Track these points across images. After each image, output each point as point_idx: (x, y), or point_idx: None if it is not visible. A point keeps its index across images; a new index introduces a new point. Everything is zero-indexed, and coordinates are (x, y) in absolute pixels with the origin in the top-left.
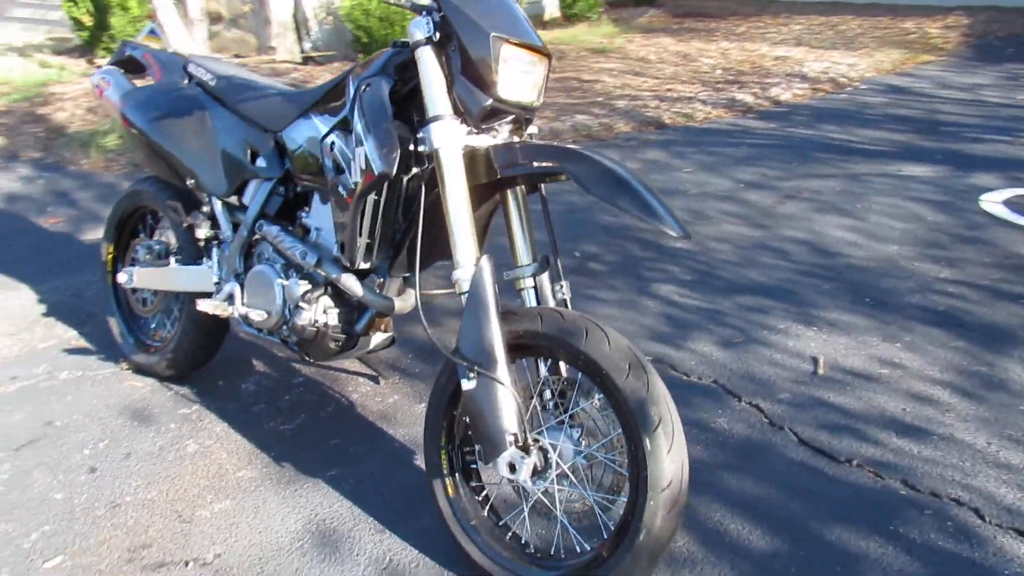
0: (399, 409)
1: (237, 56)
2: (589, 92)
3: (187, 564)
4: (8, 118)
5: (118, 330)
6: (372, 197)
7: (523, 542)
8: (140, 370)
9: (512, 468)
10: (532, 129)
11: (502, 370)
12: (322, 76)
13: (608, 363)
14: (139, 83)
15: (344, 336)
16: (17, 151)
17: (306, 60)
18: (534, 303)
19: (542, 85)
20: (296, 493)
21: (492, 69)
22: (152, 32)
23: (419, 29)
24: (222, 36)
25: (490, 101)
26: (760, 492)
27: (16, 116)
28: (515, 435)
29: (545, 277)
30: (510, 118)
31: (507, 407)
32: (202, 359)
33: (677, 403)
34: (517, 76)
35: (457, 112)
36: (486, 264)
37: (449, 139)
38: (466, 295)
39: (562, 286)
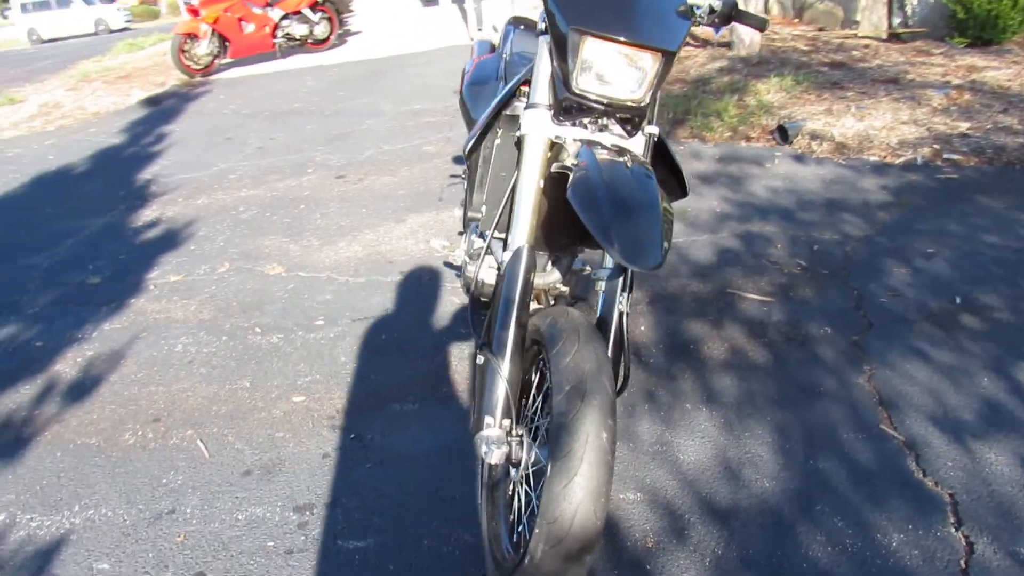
0: None
1: (821, 30)
2: None
3: (353, 436)
4: None
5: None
6: (494, 172)
7: (510, 524)
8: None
9: (484, 450)
10: (652, 129)
11: (503, 356)
12: (887, 56)
13: (554, 377)
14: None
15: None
16: None
17: (891, 37)
18: (599, 307)
19: (651, 81)
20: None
21: (569, 62)
22: None
23: (541, 18)
24: (815, 8)
25: (564, 94)
26: None
27: None
28: (495, 420)
29: (619, 284)
30: (599, 113)
31: (496, 392)
32: None
33: (871, 499)
34: (608, 70)
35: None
36: (523, 254)
37: (534, 127)
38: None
39: (623, 299)
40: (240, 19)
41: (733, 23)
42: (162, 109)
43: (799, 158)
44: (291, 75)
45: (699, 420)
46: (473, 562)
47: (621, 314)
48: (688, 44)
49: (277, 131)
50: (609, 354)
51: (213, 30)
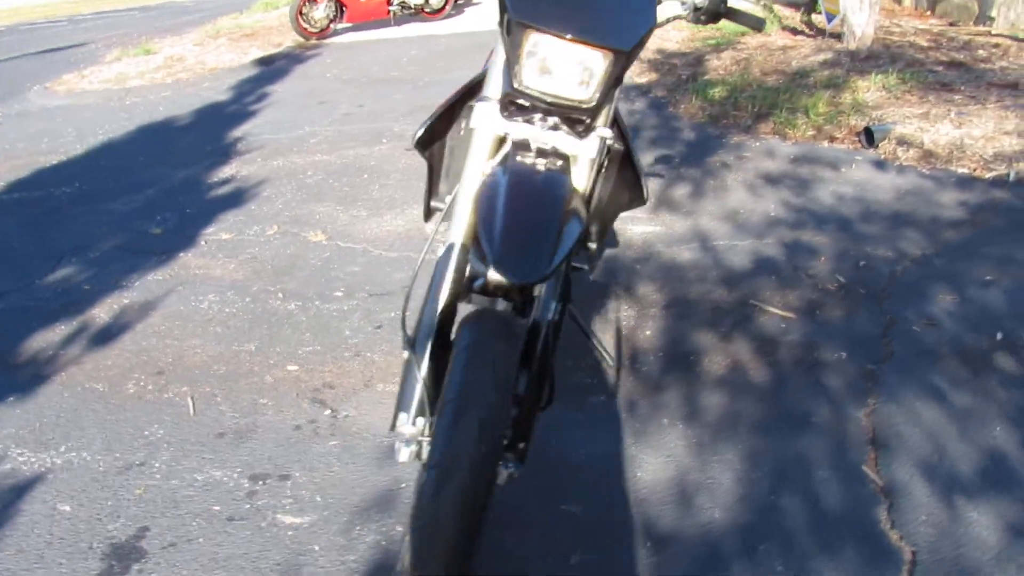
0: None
1: (952, 24)
2: None
3: (329, 411)
4: (680, 59)
5: None
6: (460, 162)
7: None
8: None
9: (396, 447)
10: (605, 132)
11: (423, 354)
12: (1016, 58)
13: (446, 383)
14: None
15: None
16: (653, 87)
17: None
18: (533, 313)
19: (600, 82)
20: None
21: (512, 56)
22: None
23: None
24: (949, 1)
25: (509, 88)
26: None
27: (690, 58)
28: (408, 418)
29: (554, 291)
30: (543, 111)
31: (409, 388)
32: None
33: (822, 545)
34: (553, 67)
35: None
36: (453, 251)
37: (482, 121)
38: None
39: (554, 307)
40: None
41: (725, 21)
42: (272, 69)
43: (880, 164)
44: (399, 43)
45: (671, 437)
46: (394, 555)
47: (551, 324)
48: (801, 33)
49: (368, 98)
50: (534, 366)
51: None
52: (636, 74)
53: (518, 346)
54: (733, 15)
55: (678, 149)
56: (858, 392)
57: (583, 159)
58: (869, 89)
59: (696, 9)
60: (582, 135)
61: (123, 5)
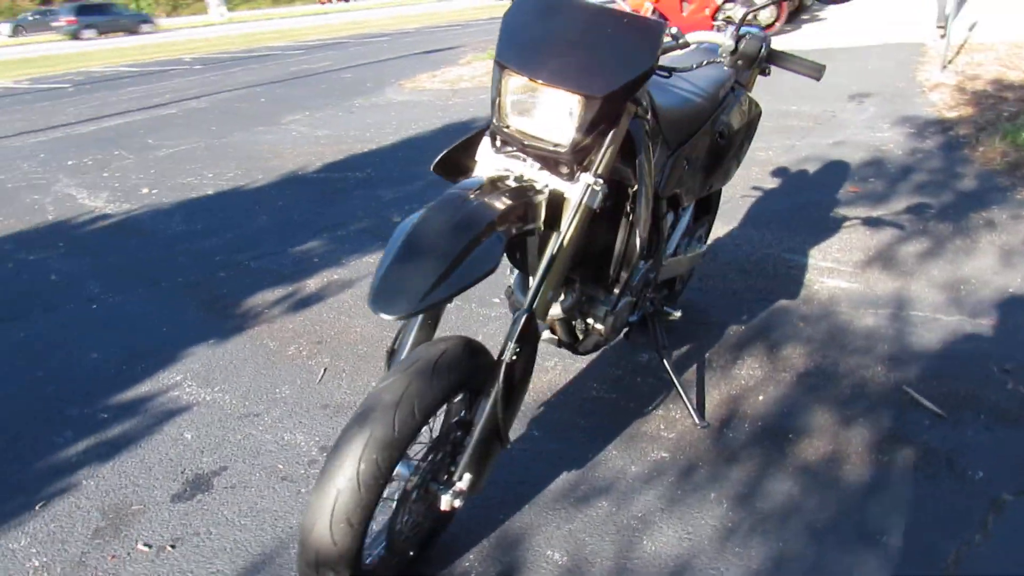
0: (655, 444)
1: None
2: None
3: None
4: (1016, 92)
5: None
6: None
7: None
8: None
9: None
10: (589, 178)
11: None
12: None
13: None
14: None
15: None
16: (959, 124)
17: None
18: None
19: (576, 126)
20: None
21: (494, 94)
22: None
23: None
24: None
25: (493, 123)
26: None
27: None
28: None
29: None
30: (520, 150)
31: None
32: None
33: None
34: (530, 109)
35: None
36: None
37: (482, 155)
38: None
39: (511, 347)
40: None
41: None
42: None
43: None
44: None
45: (707, 516)
46: None
47: (506, 363)
48: None
49: None
50: (490, 400)
51: (654, 8)
52: (947, 108)
53: (450, 376)
54: (779, 60)
55: (943, 198)
56: (966, 523)
57: (572, 201)
58: None
59: (732, 53)
60: (568, 178)
61: None
